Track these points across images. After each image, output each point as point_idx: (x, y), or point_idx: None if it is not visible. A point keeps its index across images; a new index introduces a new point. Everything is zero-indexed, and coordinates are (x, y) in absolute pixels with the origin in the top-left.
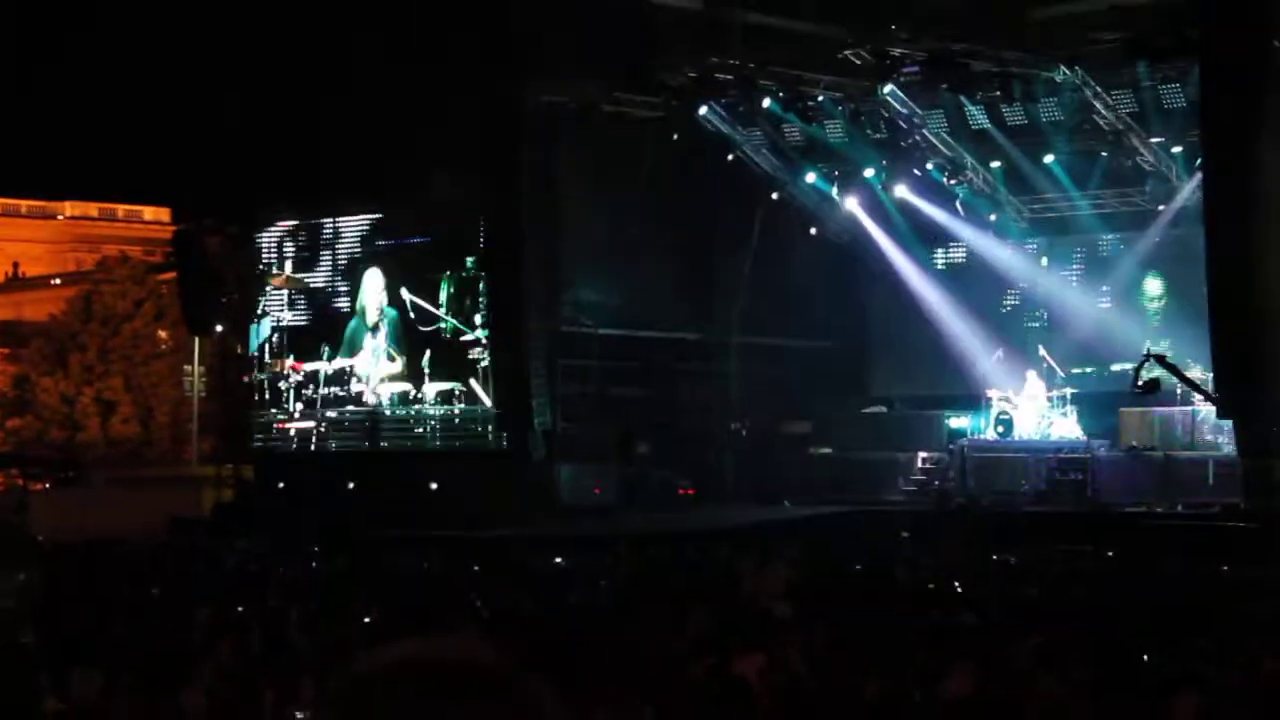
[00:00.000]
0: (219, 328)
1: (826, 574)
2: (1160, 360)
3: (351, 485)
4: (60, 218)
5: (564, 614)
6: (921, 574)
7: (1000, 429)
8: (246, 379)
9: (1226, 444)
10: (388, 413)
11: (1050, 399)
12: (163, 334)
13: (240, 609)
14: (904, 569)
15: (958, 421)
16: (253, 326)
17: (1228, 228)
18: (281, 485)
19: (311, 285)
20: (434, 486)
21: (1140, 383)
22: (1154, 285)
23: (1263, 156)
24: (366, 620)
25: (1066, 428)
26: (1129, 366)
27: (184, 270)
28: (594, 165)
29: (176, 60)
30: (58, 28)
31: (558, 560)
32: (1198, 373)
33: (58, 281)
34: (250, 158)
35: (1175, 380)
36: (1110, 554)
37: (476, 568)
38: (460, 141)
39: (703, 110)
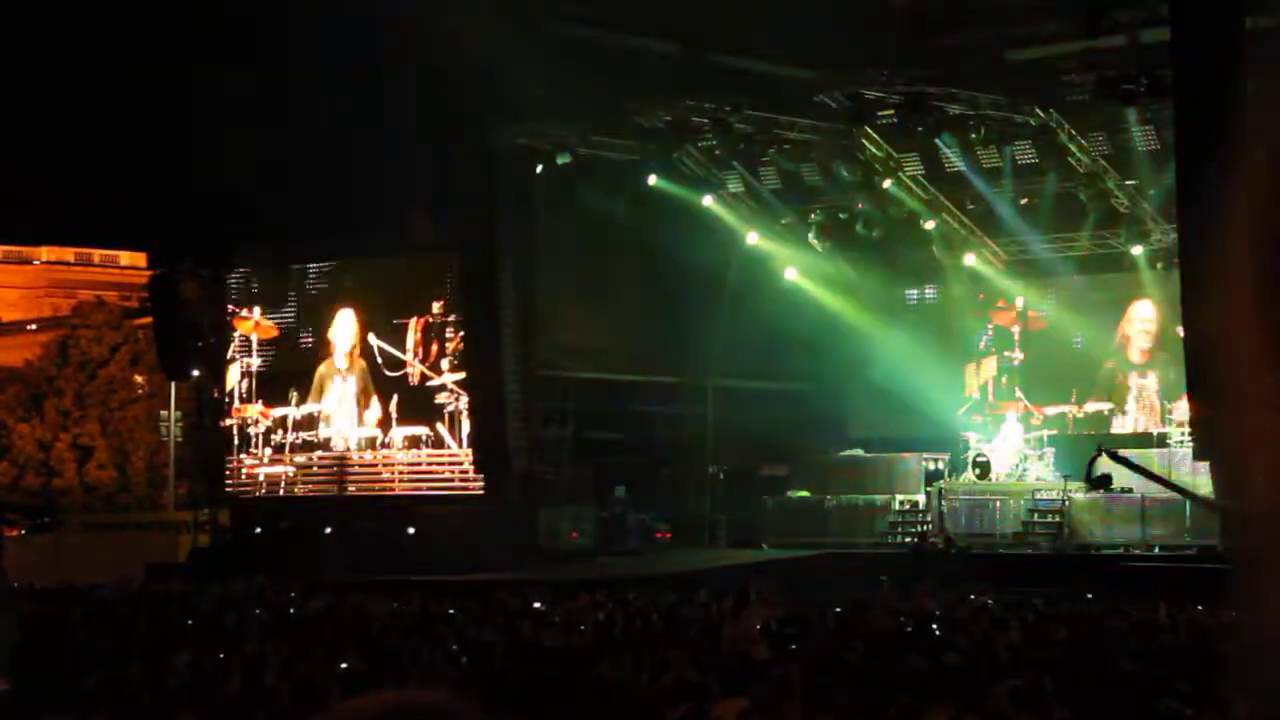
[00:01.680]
0: (195, 372)
1: (805, 617)
2: (1113, 455)
3: (328, 530)
4: (36, 263)
5: (541, 659)
6: (899, 617)
7: (977, 471)
8: (222, 424)
9: (1204, 486)
10: (355, 458)
11: (1027, 441)
12: (139, 379)
13: (221, 655)
14: (882, 612)
15: (935, 464)
16: (229, 371)
17: (1202, 270)
18: (258, 530)
19: (281, 329)
20: (411, 531)
21: (1092, 478)
22: (1140, 312)
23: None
24: (344, 665)
25: (1043, 469)
26: (1105, 407)
27: (160, 315)
28: (570, 208)
29: (151, 105)
30: (33, 72)
31: (535, 605)
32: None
33: (33, 327)
34: (224, 200)
35: (1127, 472)
36: (1088, 596)
37: (453, 612)
38: (435, 184)
39: (678, 153)
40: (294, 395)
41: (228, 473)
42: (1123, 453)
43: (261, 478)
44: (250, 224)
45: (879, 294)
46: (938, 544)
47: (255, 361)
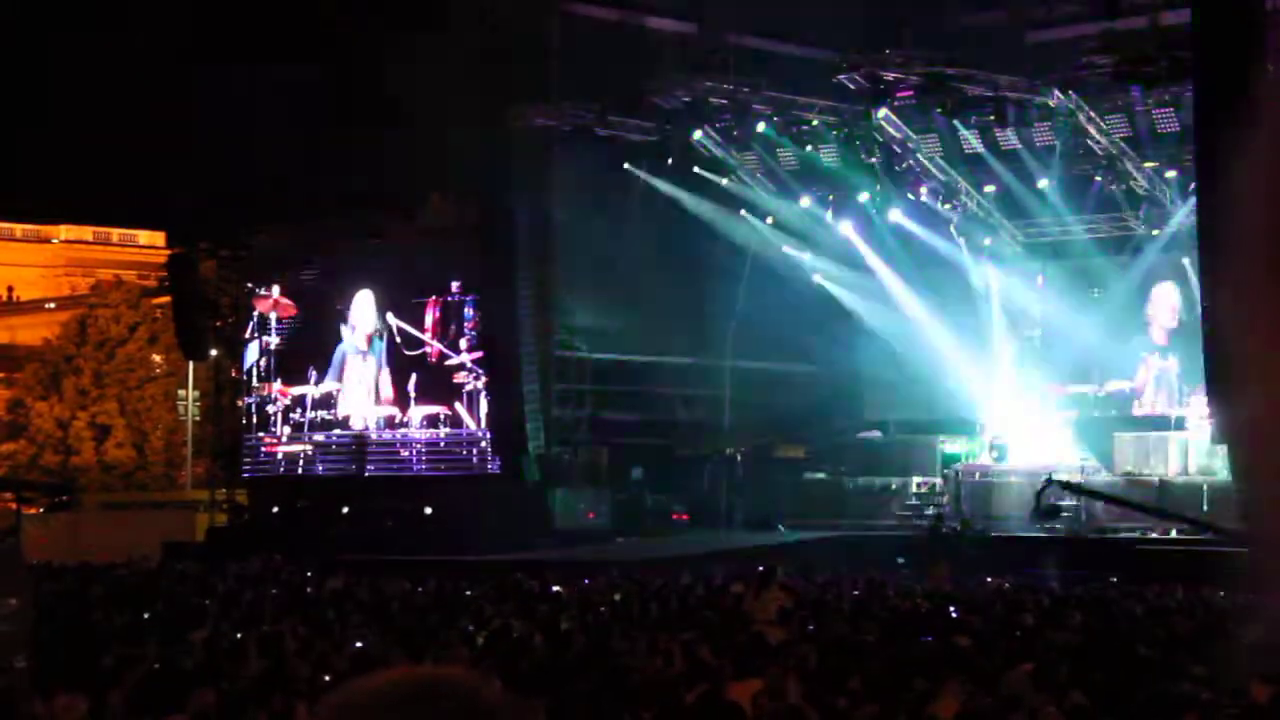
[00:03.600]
0: (213, 352)
1: (821, 599)
2: (1064, 485)
3: (346, 509)
4: (55, 242)
5: (557, 639)
6: (915, 599)
7: (995, 454)
8: (240, 403)
9: (1221, 469)
10: (374, 436)
11: (1046, 423)
12: (157, 358)
13: (238, 634)
14: (898, 594)
15: (952, 446)
16: (247, 350)
17: (1221, 253)
18: (276, 510)
19: (299, 308)
20: (428, 511)
21: (1042, 509)
22: (1162, 294)
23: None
24: (360, 645)
25: (1061, 452)
26: (1127, 385)
27: (178, 294)
28: (588, 189)
29: (171, 84)
30: (53, 52)
31: (551, 585)
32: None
33: (52, 305)
34: (243, 180)
35: (1079, 502)
36: (1105, 579)
37: (470, 592)
38: (454, 165)
39: (697, 134)
40: (313, 374)
41: (246, 452)
42: (1075, 481)
43: (279, 457)
44: (270, 204)
45: (897, 276)
46: (955, 526)
47: (274, 340)
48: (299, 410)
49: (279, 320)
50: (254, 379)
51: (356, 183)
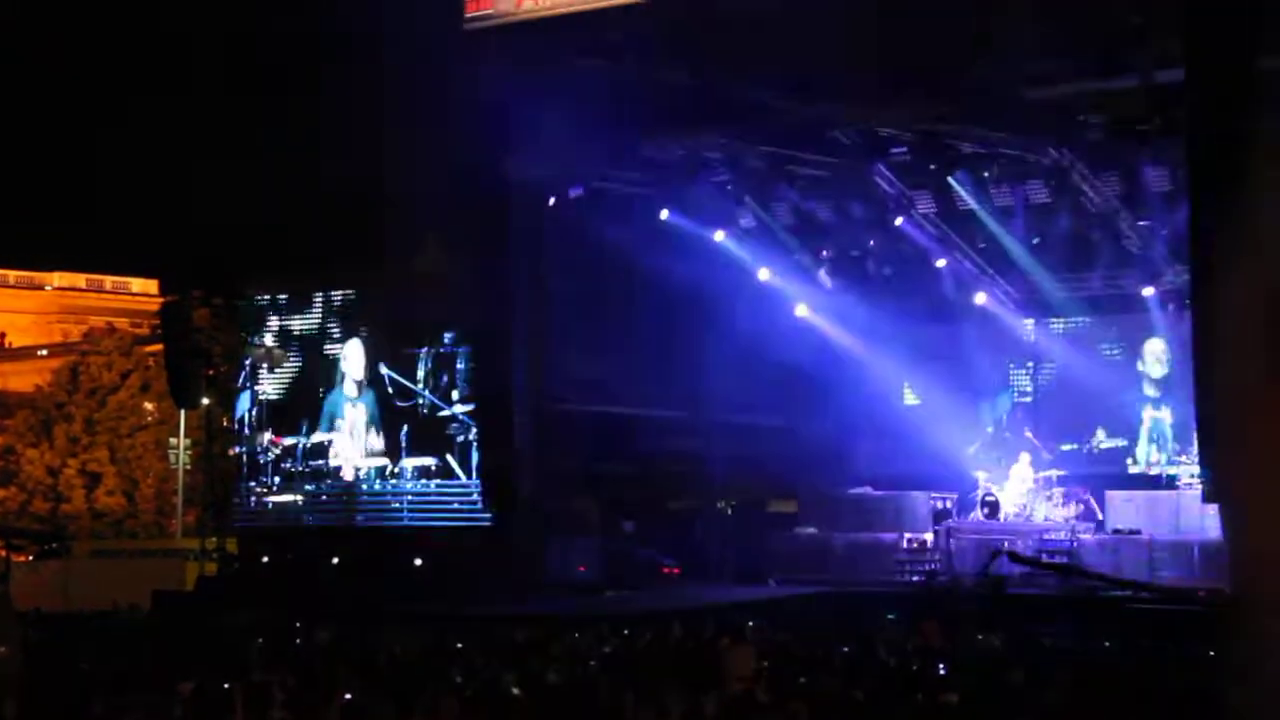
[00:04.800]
0: (205, 400)
1: (811, 654)
2: (1012, 555)
3: (336, 560)
4: (47, 288)
5: (547, 693)
6: (905, 656)
7: (986, 510)
8: (232, 452)
9: (1212, 527)
10: (365, 487)
11: (1037, 480)
12: (149, 406)
13: (226, 685)
14: (888, 650)
15: (943, 503)
16: (239, 398)
17: (1212, 312)
18: (265, 559)
19: (291, 357)
20: (418, 562)
21: (987, 580)
22: (1154, 349)
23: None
24: (349, 697)
25: (1052, 509)
26: (1120, 443)
27: (171, 342)
28: (581, 241)
29: (164, 133)
30: (48, 100)
31: (541, 637)
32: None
33: (44, 352)
34: (236, 229)
35: (1025, 570)
36: (1095, 638)
37: (460, 645)
38: (446, 215)
39: (690, 188)
40: (304, 423)
41: (236, 501)
42: (1025, 554)
43: (270, 506)
44: (263, 252)
45: (889, 332)
46: (944, 583)
47: (266, 389)
48: (290, 460)
49: (271, 369)
50: (246, 428)
51: (350, 231)
